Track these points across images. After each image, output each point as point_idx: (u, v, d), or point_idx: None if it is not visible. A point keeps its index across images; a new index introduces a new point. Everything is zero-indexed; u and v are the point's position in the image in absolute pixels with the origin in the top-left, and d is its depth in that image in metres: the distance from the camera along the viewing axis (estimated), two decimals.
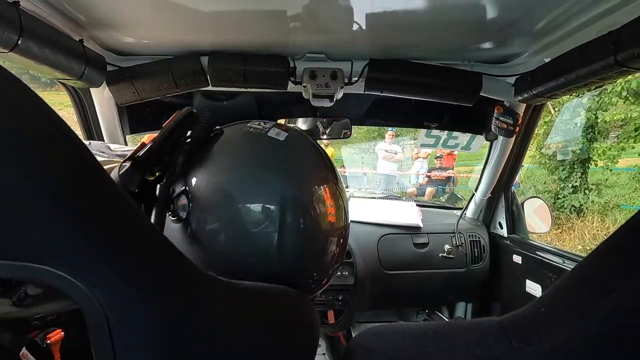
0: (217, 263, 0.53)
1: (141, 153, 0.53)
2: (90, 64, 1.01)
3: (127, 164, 0.51)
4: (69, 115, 1.17)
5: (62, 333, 0.49)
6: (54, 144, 0.25)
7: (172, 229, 0.55)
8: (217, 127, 0.66)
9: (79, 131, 1.32)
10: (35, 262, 0.24)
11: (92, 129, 1.30)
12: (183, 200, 0.55)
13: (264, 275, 0.51)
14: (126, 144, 1.39)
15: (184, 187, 0.56)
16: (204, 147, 0.60)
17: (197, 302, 0.32)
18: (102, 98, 1.23)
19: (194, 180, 0.56)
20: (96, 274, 0.25)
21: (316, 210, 0.57)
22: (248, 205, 0.53)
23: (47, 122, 0.25)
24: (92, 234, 0.25)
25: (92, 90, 1.21)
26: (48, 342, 0.53)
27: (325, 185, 0.60)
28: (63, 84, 1.12)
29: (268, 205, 0.53)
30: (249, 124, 0.63)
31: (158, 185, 0.54)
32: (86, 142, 0.71)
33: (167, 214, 0.54)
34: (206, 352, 0.32)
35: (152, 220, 0.52)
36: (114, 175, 0.50)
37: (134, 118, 1.39)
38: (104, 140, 1.31)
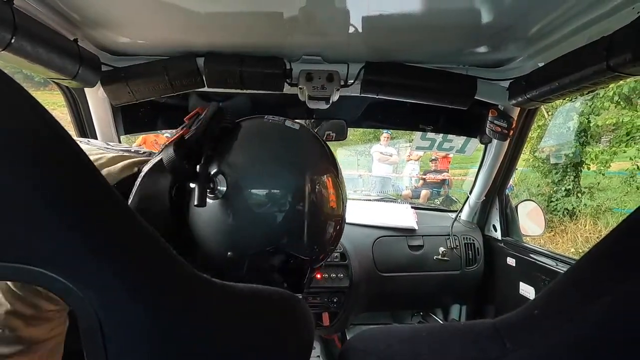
0: (243, 235, 0.64)
1: (186, 137, 0.60)
2: (85, 63, 1.00)
3: (170, 148, 0.58)
4: (62, 116, 1.16)
5: None
6: (49, 145, 0.24)
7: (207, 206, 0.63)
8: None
9: (72, 131, 1.31)
10: (28, 264, 0.23)
11: (86, 130, 1.29)
12: (220, 180, 0.62)
13: (278, 244, 0.64)
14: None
15: (218, 169, 0.63)
16: (232, 135, 0.69)
17: (191, 304, 0.32)
18: (96, 98, 1.22)
19: (227, 163, 0.64)
20: (89, 276, 0.25)
21: (320, 195, 0.67)
22: (269, 186, 0.64)
23: (41, 123, 0.24)
24: (85, 236, 0.25)
25: (87, 91, 1.20)
26: None
27: (328, 175, 0.70)
28: (57, 83, 1.11)
29: (284, 187, 0.64)
30: (266, 117, 0.73)
31: (198, 167, 0.62)
32: (84, 140, 0.71)
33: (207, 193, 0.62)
34: (200, 354, 0.31)
35: (196, 200, 0.59)
36: (166, 155, 0.57)
37: (128, 119, 1.38)
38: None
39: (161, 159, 0.59)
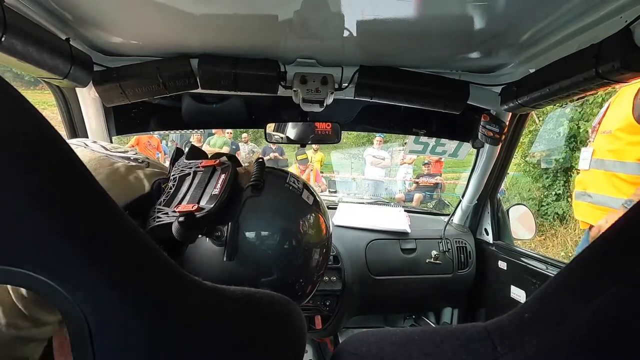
0: (237, 276, 0.64)
1: (198, 216, 0.59)
2: (77, 63, 0.99)
3: (182, 220, 0.57)
4: (52, 115, 1.14)
5: None
6: (37, 144, 0.24)
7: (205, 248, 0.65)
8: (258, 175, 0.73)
9: (63, 132, 1.29)
10: (13, 265, 0.23)
11: (77, 130, 1.27)
12: (224, 231, 0.63)
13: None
14: None
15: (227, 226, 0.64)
16: (251, 202, 0.68)
17: (182, 307, 0.31)
18: (88, 98, 1.21)
19: (243, 227, 0.65)
20: (77, 278, 0.25)
21: (298, 235, 0.69)
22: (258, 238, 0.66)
23: (31, 122, 0.24)
24: (73, 237, 0.24)
25: (78, 91, 1.19)
26: None
27: (310, 215, 0.72)
28: (48, 83, 1.10)
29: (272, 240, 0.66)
30: (287, 182, 0.72)
31: (226, 233, 0.63)
32: (81, 143, 0.70)
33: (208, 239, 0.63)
34: (191, 357, 0.31)
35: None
36: (175, 230, 0.57)
37: (120, 119, 1.36)
38: None
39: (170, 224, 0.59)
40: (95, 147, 0.67)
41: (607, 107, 1.88)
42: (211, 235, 0.62)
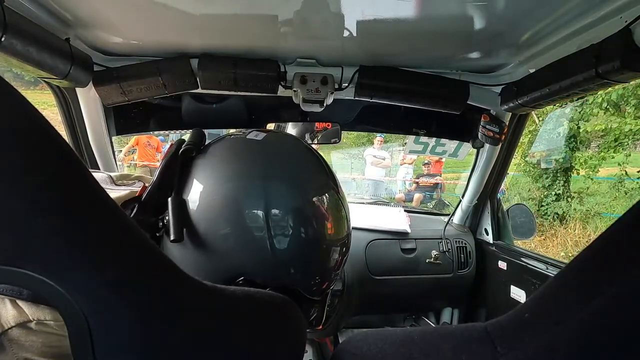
0: (221, 269, 0.55)
1: (143, 196, 0.56)
2: (77, 63, 0.99)
3: (135, 208, 0.54)
4: (53, 115, 1.14)
5: None
6: (37, 144, 0.24)
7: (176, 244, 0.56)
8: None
9: (63, 132, 1.29)
10: (13, 265, 0.23)
11: (77, 130, 1.27)
12: (192, 214, 0.56)
13: (266, 280, 0.55)
14: (112, 146, 1.36)
15: (186, 200, 0.57)
16: (198, 164, 0.61)
17: (182, 307, 0.31)
18: (88, 98, 1.21)
19: (196, 195, 0.57)
20: (77, 278, 0.25)
21: (315, 220, 0.58)
22: (249, 213, 0.55)
23: (31, 122, 0.24)
24: (73, 237, 0.24)
25: (78, 90, 1.19)
26: None
27: (326, 194, 0.61)
28: (48, 83, 1.10)
29: (267, 214, 0.55)
30: (228, 134, 0.65)
31: (169, 201, 0.55)
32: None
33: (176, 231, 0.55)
34: (191, 357, 0.31)
35: (172, 235, 0.53)
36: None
37: (120, 119, 1.36)
38: (89, 142, 1.29)
39: None
40: (100, 177, 0.65)
41: None
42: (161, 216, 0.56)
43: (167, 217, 0.55)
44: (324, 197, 0.61)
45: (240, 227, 0.55)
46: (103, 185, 0.64)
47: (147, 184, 0.65)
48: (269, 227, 0.54)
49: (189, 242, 0.55)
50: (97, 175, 0.66)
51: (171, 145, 0.64)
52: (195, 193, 0.57)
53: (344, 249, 0.64)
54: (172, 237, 0.53)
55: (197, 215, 0.55)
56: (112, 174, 0.66)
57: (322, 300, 0.67)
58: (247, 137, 0.62)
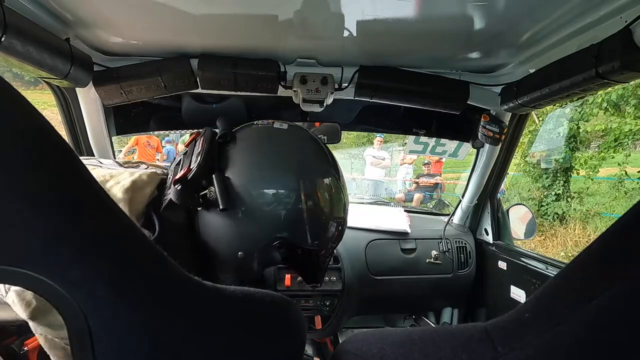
0: (249, 233, 0.71)
1: (189, 176, 0.66)
2: (77, 63, 0.99)
3: (179, 186, 0.64)
4: (53, 115, 1.14)
5: None
6: (37, 144, 0.24)
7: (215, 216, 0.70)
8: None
9: (63, 132, 1.29)
10: (13, 265, 0.23)
11: (77, 130, 1.27)
12: (235, 187, 0.69)
13: (296, 241, 0.73)
14: (112, 146, 1.36)
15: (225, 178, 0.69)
16: (230, 149, 0.74)
17: (182, 307, 0.31)
18: (88, 98, 1.21)
19: (231, 173, 0.71)
20: (77, 278, 0.25)
21: (316, 193, 0.75)
22: (285, 186, 0.72)
23: (31, 122, 0.24)
24: (73, 237, 0.24)
25: (78, 90, 1.19)
26: (25, 349, 0.51)
27: (329, 178, 0.78)
28: (48, 83, 1.10)
29: (298, 187, 0.72)
30: (255, 123, 0.81)
31: (214, 177, 0.67)
32: (95, 162, 0.77)
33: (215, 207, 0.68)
34: (191, 356, 0.31)
35: (221, 204, 0.65)
36: (174, 194, 0.64)
37: (120, 119, 1.36)
38: (89, 142, 1.29)
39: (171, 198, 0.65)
40: (108, 163, 0.75)
41: None
42: (205, 190, 0.67)
43: (211, 192, 0.67)
44: (339, 174, 0.81)
45: (277, 197, 0.70)
46: (115, 168, 0.70)
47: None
48: (298, 197, 0.70)
49: (233, 211, 0.68)
50: (105, 162, 0.75)
51: (196, 134, 0.77)
52: (236, 171, 0.70)
53: (341, 227, 0.82)
54: (221, 206, 0.65)
55: (240, 189, 0.69)
56: (117, 160, 0.77)
57: (321, 261, 0.83)
58: (274, 126, 0.79)
